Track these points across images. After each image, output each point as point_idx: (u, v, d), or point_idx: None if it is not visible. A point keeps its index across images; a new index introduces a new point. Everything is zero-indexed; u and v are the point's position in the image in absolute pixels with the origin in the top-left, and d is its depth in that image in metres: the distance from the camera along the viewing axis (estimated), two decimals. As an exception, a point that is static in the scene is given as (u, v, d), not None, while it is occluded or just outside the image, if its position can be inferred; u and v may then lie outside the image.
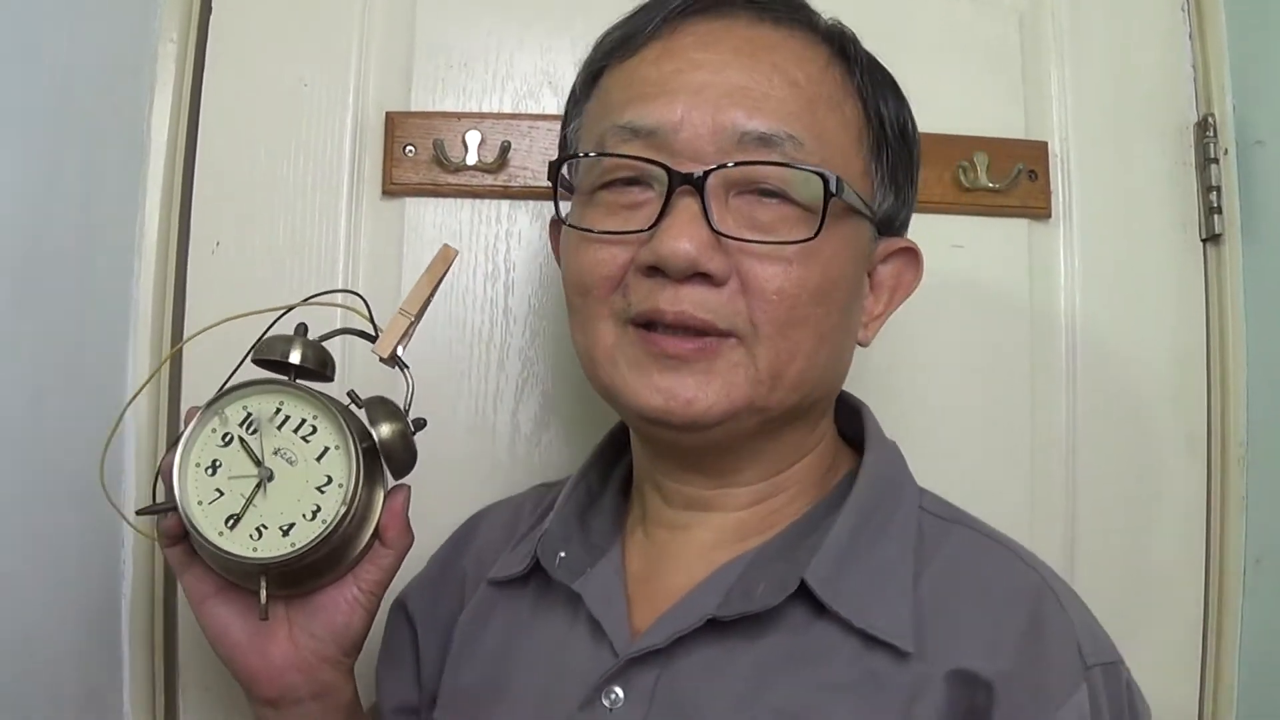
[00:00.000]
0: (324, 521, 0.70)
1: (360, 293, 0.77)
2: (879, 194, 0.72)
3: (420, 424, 0.75)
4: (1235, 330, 0.97)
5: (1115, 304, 1.01)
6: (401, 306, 0.73)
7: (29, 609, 0.82)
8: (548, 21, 1.00)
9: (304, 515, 0.71)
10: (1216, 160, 0.99)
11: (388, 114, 0.98)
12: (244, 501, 0.71)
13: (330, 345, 0.76)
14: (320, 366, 0.74)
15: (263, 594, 0.71)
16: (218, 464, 0.72)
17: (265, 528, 0.70)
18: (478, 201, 0.98)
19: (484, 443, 0.97)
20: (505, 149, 0.96)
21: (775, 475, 0.73)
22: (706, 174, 0.65)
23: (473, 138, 0.97)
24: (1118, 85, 1.02)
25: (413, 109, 0.98)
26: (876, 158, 0.72)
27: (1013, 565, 0.68)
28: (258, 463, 0.71)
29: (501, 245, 0.98)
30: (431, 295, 0.74)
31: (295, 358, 0.73)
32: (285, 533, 0.70)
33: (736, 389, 0.67)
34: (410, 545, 0.76)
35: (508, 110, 0.99)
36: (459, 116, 0.97)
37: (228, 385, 0.73)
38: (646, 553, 0.75)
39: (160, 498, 0.73)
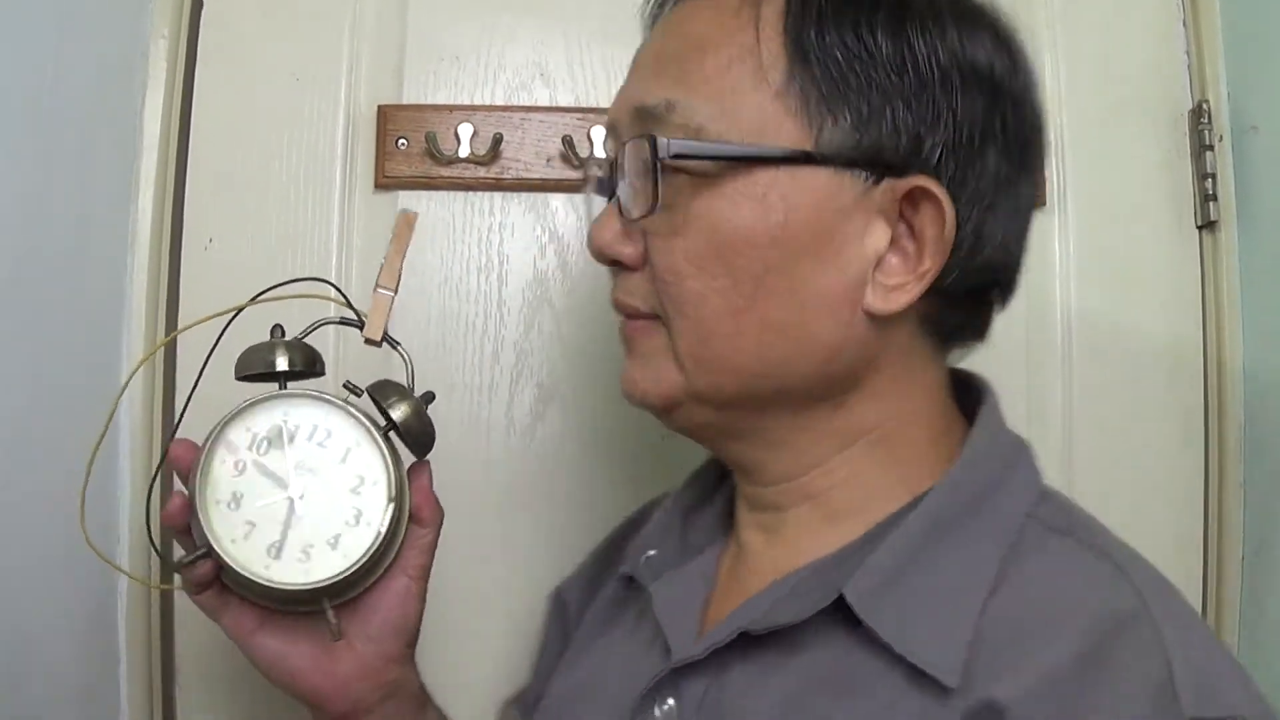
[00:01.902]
0: (370, 524, 0.67)
1: (326, 279, 0.73)
2: (828, 127, 0.58)
3: (429, 397, 0.72)
4: (1231, 316, 0.97)
5: (1111, 291, 1.00)
6: (379, 284, 0.70)
7: (23, 604, 0.82)
8: (540, 14, 1.00)
9: (347, 522, 0.67)
10: (1211, 147, 0.98)
11: (380, 107, 0.97)
12: (281, 527, 0.66)
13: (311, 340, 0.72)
14: (309, 365, 0.70)
15: (331, 616, 0.67)
16: (239, 496, 0.67)
17: (312, 547, 0.66)
18: (470, 194, 0.98)
19: (478, 438, 0.97)
20: (498, 141, 0.96)
21: (812, 470, 0.64)
22: (613, 164, 0.66)
23: (465, 130, 0.96)
24: (1111, 72, 1.01)
25: (405, 102, 0.98)
26: (806, 86, 0.59)
27: (1105, 586, 0.56)
28: (282, 484, 0.67)
29: (495, 237, 0.98)
30: (402, 265, 0.71)
31: (283, 363, 0.69)
32: (334, 545, 0.66)
33: (666, 373, 0.63)
34: (443, 519, 0.73)
35: (500, 103, 0.99)
36: (451, 109, 0.97)
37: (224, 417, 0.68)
38: (735, 556, 0.69)
39: (160, 542, 0.69)
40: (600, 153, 0.96)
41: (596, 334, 0.97)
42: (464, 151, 0.96)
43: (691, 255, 0.60)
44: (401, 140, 0.96)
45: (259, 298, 0.72)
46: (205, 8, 0.99)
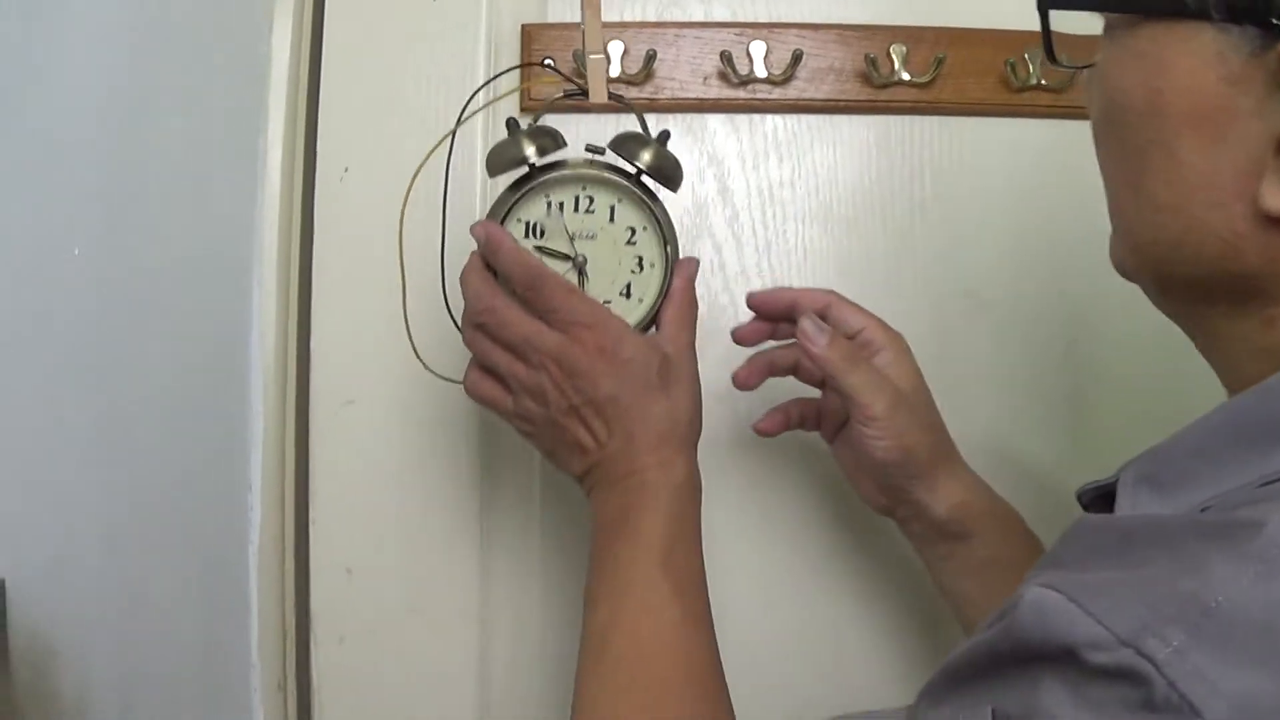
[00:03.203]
0: (654, 264, 0.73)
1: (542, 63, 0.76)
2: None
3: (665, 136, 0.74)
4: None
5: None
6: (589, 50, 0.73)
7: (144, 556, 0.77)
8: (692, -77, 0.93)
9: (633, 271, 0.73)
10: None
11: (523, 26, 0.91)
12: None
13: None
14: (554, 143, 0.73)
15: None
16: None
17: (609, 302, 0.73)
18: (622, 117, 0.91)
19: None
20: (650, 59, 0.89)
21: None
22: None
23: (615, 48, 0.90)
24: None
25: (550, 20, 0.92)
26: None
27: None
28: (566, 258, 0.73)
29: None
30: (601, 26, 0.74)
31: (530, 151, 0.72)
32: (627, 294, 0.73)
33: (1112, 242, 0.59)
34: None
35: (652, 18, 0.92)
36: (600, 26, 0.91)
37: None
38: None
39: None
40: (761, 70, 0.90)
41: (763, 267, 0.91)
42: (614, 71, 0.89)
43: (1096, 119, 0.56)
44: (548, 60, 0.90)
45: (474, 94, 0.76)
46: (335, -74, 0.93)
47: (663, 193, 0.75)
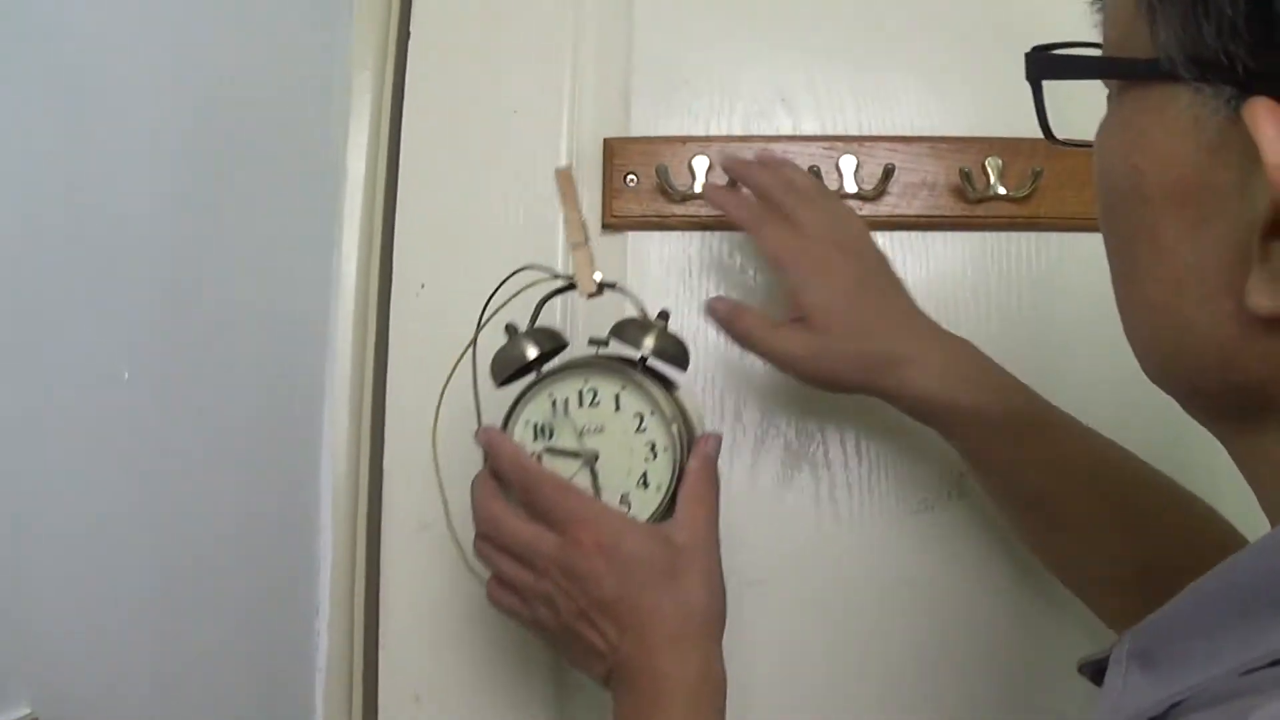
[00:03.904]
0: (666, 449, 0.70)
1: (526, 266, 0.75)
2: (1166, 19, 0.41)
3: (665, 315, 0.74)
4: None
5: None
6: (572, 243, 0.73)
7: (202, 688, 0.75)
8: (778, 33, 0.90)
9: (646, 459, 0.71)
10: None
11: (606, 141, 0.89)
12: (593, 490, 0.71)
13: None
14: (555, 341, 0.74)
15: None
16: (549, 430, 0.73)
17: (628, 494, 0.71)
18: (707, 234, 0.88)
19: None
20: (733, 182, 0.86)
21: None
22: None
23: (700, 163, 0.87)
24: None
25: (633, 134, 0.89)
26: None
27: None
28: (576, 455, 0.71)
29: (735, 284, 0.88)
30: (582, 218, 0.74)
31: (531, 352, 0.73)
32: (644, 484, 0.71)
33: None
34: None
35: (737, 132, 0.89)
36: (684, 141, 0.88)
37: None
38: None
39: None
40: (850, 185, 0.87)
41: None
42: (699, 187, 0.87)
43: (1096, 199, 0.49)
44: (630, 176, 0.88)
45: (482, 324, 0.76)
46: (413, 37, 0.91)
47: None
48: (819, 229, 0.78)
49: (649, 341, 0.72)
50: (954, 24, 0.91)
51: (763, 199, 0.79)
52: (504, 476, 0.71)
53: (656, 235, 0.88)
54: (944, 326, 0.88)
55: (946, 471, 0.87)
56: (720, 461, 0.86)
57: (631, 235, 0.88)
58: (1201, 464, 0.87)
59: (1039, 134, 0.87)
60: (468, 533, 0.75)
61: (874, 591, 0.86)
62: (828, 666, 0.86)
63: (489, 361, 0.74)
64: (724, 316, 0.78)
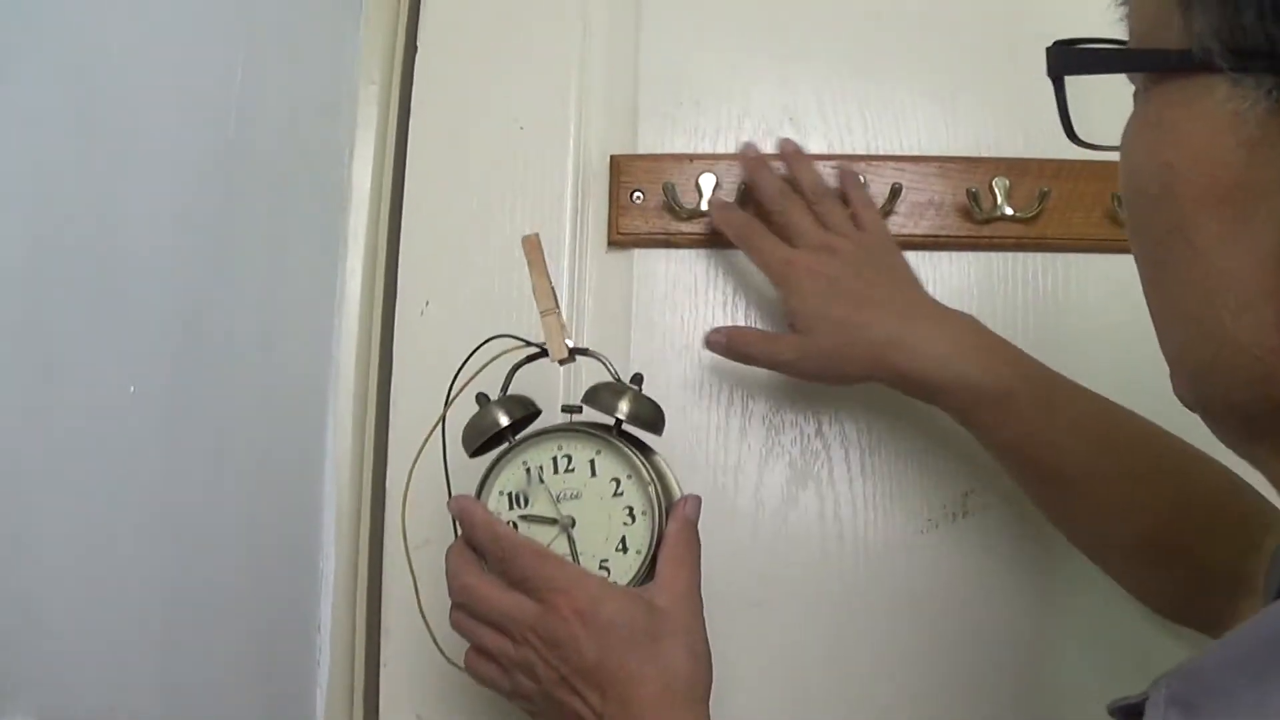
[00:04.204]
0: (644, 513, 0.69)
1: (497, 336, 0.73)
2: (1201, 17, 0.40)
3: (639, 379, 0.73)
4: None
5: None
6: (541, 310, 0.72)
7: (206, 703, 0.74)
8: (786, 51, 0.90)
9: (624, 523, 0.70)
10: None
11: (612, 158, 0.89)
12: (571, 556, 0.70)
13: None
14: (526, 409, 0.73)
15: None
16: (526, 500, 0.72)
17: (606, 560, 0.70)
18: (714, 252, 0.88)
19: (721, 522, 0.86)
20: (744, 193, 0.86)
21: None
22: None
23: (707, 181, 0.87)
24: None
25: (639, 151, 0.89)
26: None
27: None
28: (552, 522, 0.71)
29: (741, 300, 0.88)
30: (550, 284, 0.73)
31: (503, 420, 0.72)
32: (623, 549, 0.70)
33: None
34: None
35: (745, 151, 0.89)
36: (691, 158, 0.88)
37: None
38: None
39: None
40: (859, 205, 0.86)
41: (855, 410, 0.87)
42: (706, 205, 0.86)
43: (1124, 202, 0.47)
44: (637, 193, 0.87)
45: (451, 399, 0.73)
46: (420, 52, 0.91)
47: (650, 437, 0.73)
48: (810, 235, 0.80)
49: (624, 406, 0.70)
50: (962, 44, 0.91)
51: (760, 204, 0.83)
52: (478, 545, 0.69)
53: (662, 253, 0.88)
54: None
55: (952, 490, 0.86)
56: (725, 479, 0.86)
57: (638, 252, 0.88)
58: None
59: (1046, 154, 0.88)
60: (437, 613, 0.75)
61: (878, 611, 0.86)
62: (831, 686, 0.86)
63: (459, 434, 0.73)
64: (724, 343, 0.82)
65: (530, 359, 0.73)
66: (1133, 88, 0.46)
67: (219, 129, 0.75)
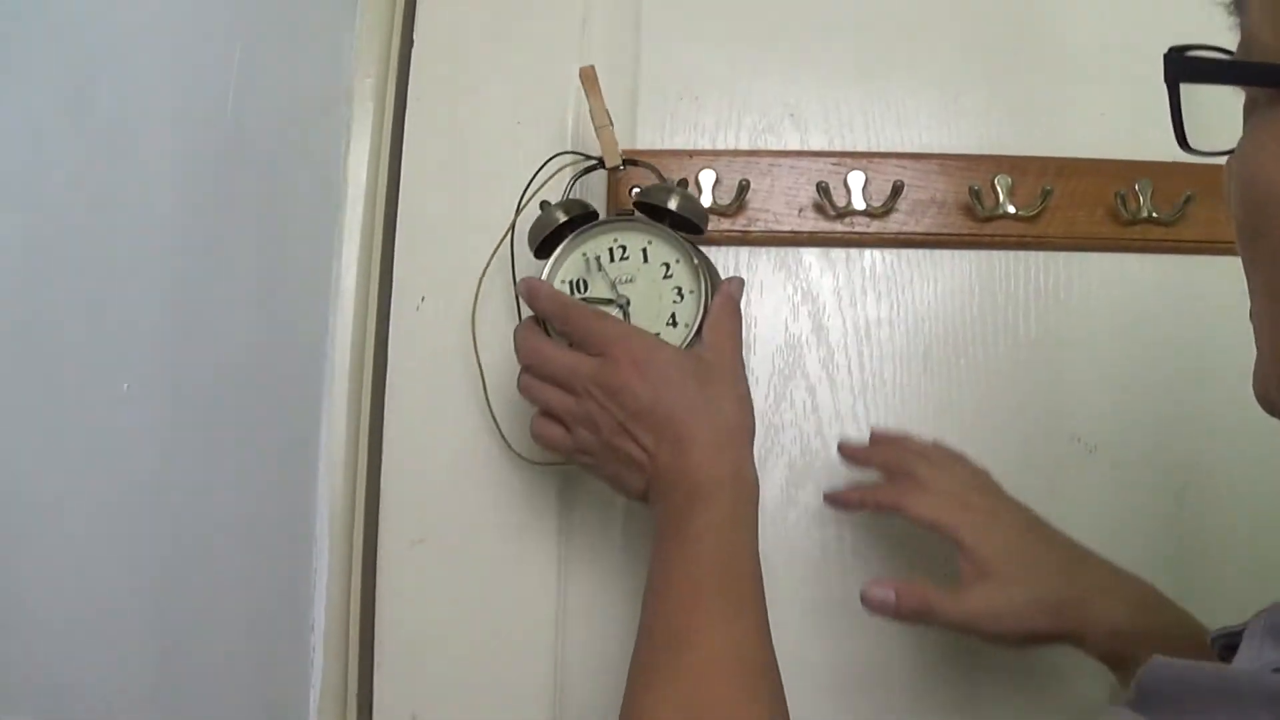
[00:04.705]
0: (692, 292, 0.76)
1: (566, 151, 0.84)
2: None
3: (684, 182, 0.81)
4: None
5: None
6: (597, 126, 0.79)
7: (199, 702, 0.73)
8: (788, 47, 0.89)
9: (674, 300, 0.76)
10: None
11: (610, 152, 0.88)
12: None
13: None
14: (585, 209, 0.79)
15: None
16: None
17: (658, 334, 0.75)
18: (713, 249, 0.87)
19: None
20: (743, 189, 0.85)
21: None
22: None
23: (707, 177, 0.86)
24: None
25: (639, 146, 0.88)
26: None
27: None
28: (611, 302, 0.77)
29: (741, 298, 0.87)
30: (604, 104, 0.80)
31: (562, 217, 0.78)
32: (673, 323, 0.76)
33: (1258, 366, 0.50)
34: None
35: (745, 146, 0.89)
36: (690, 154, 0.87)
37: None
38: None
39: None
40: (860, 202, 0.86)
41: (859, 411, 0.86)
42: (705, 201, 0.85)
43: (1237, 215, 0.47)
44: (635, 189, 0.86)
45: (522, 205, 0.83)
46: (416, 46, 0.90)
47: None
48: (956, 483, 0.76)
49: (674, 200, 0.77)
50: (964, 41, 0.90)
51: (890, 472, 0.79)
52: (544, 313, 0.75)
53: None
54: (952, 346, 0.87)
55: (952, 492, 0.85)
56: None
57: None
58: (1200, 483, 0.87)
59: (1049, 153, 0.88)
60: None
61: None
62: (830, 686, 0.85)
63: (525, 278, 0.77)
64: (893, 602, 0.73)
65: (588, 170, 0.83)
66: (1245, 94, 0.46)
67: (215, 124, 0.74)
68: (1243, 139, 0.46)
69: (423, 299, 0.87)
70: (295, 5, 0.85)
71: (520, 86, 0.89)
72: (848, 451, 0.82)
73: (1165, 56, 0.48)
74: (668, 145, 0.88)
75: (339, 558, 0.86)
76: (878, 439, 0.83)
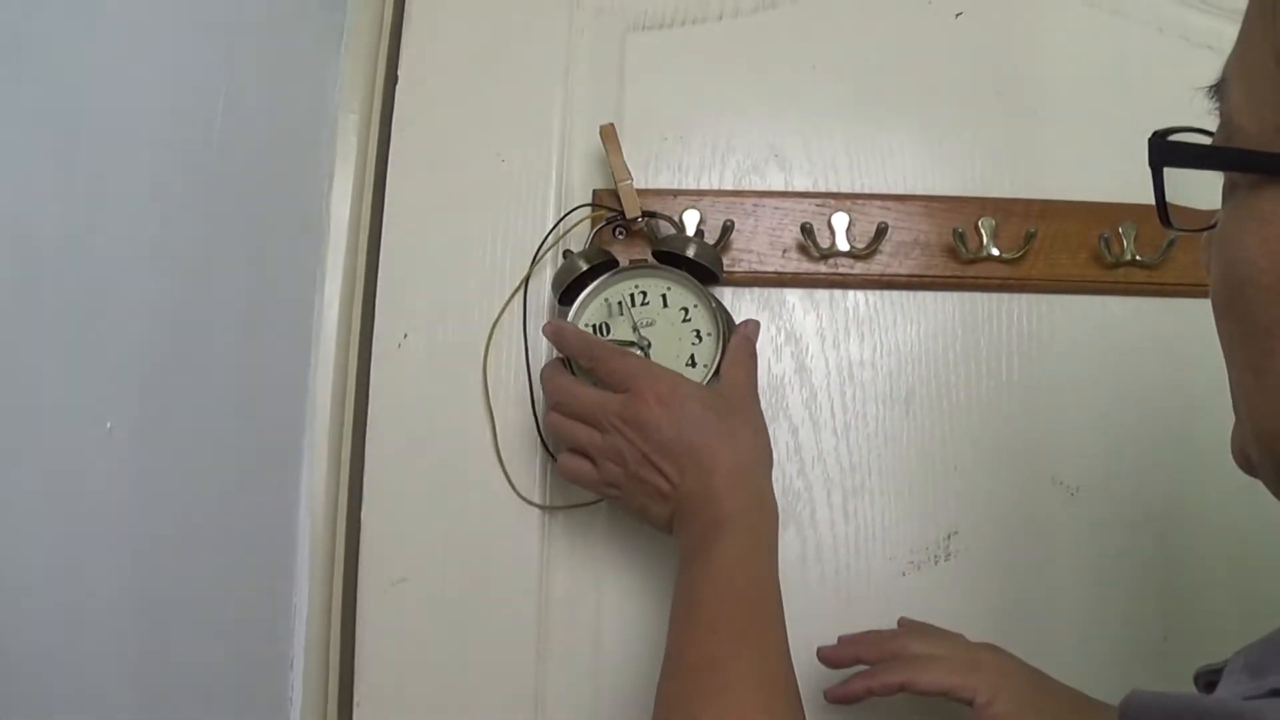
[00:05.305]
0: (710, 334, 0.81)
1: (582, 205, 0.87)
2: None
3: (701, 232, 0.86)
4: None
5: None
6: (618, 180, 0.83)
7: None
8: (772, 88, 0.89)
9: (693, 343, 0.81)
10: None
11: (595, 192, 0.88)
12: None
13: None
14: (605, 257, 0.83)
15: None
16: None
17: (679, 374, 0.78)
18: (696, 288, 0.87)
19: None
20: (727, 230, 0.85)
21: None
22: None
23: (690, 218, 0.86)
24: None
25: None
26: None
27: None
28: (632, 345, 0.81)
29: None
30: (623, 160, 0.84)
31: (583, 265, 0.82)
32: (692, 364, 0.81)
33: (1235, 429, 0.51)
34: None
35: (729, 187, 0.88)
36: (675, 194, 0.87)
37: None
38: None
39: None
40: (843, 243, 0.85)
41: (841, 452, 0.86)
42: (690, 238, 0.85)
43: (1216, 290, 0.49)
44: (620, 230, 0.86)
45: (539, 257, 0.87)
46: (400, 82, 0.90)
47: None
48: (959, 648, 0.77)
49: (691, 248, 0.82)
50: (949, 84, 0.90)
51: (883, 658, 0.78)
52: (569, 351, 0.79)
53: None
54: (935, 387, 0.87)
55: (934, 534, 0.86)
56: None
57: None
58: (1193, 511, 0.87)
59: (1033, 195, 0.88)
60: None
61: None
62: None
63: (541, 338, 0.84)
64: (896, 685, 0.75)
65: (609, 222, 0.86)
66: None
67: (198, 158, 0.73)
68: (1223, 221, 0.47)
69: (405, 336, 0.87)
70: (280, 41, 0.85)
71: (504, 124, 0.89)
72: (828, 655, 0.79)
73: (1149, 141, 0.49)
74: (652, 185, 0.88)
75: (319, 596, 0.86)
76: (852, 637, 0.81)
